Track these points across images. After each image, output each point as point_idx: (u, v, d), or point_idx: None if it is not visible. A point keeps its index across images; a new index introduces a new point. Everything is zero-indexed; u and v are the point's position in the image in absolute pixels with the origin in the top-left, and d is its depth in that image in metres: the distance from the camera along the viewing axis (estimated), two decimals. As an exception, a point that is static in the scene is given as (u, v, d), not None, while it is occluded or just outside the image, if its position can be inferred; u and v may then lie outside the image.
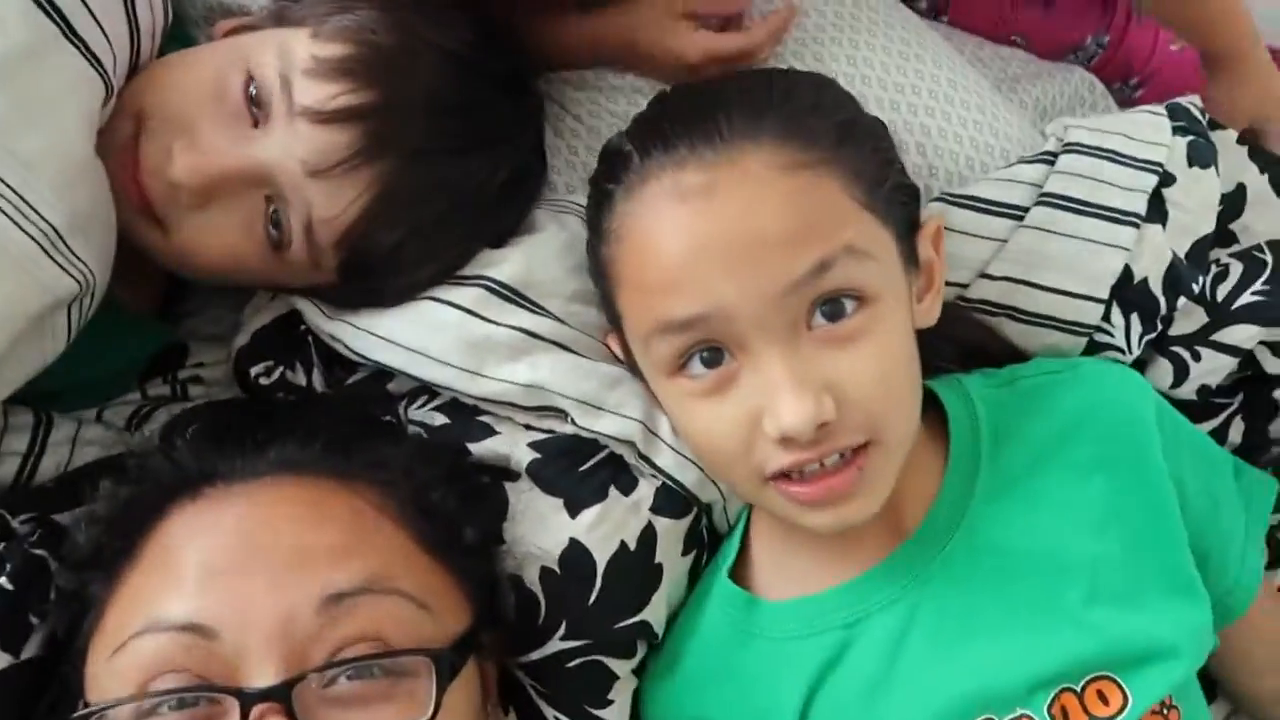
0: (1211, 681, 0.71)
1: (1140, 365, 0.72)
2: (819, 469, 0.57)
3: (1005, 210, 0.72)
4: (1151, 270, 0.70)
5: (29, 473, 0.67)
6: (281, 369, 0.73)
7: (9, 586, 0.58)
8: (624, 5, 0.76)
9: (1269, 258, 0.72)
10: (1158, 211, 0.71)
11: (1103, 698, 0.57)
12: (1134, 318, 0.70)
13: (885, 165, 0.63)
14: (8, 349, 0.59)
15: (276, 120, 0.65)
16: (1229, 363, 0.70)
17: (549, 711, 0.65)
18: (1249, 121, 0.89)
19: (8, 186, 0.57)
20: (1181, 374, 0.71)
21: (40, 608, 0.59)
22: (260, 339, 0.74)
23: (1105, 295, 0.69)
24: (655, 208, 0.59)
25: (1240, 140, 0.79)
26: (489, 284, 0.69)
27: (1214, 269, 0.72)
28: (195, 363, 0.78)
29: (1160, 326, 0.70)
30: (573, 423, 0.67)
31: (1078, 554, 0.60)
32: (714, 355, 0.59)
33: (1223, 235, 0.75)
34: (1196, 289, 0.70)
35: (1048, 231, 0.70)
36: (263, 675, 0.51)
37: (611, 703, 0.65)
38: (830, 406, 0.56)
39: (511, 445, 0.67)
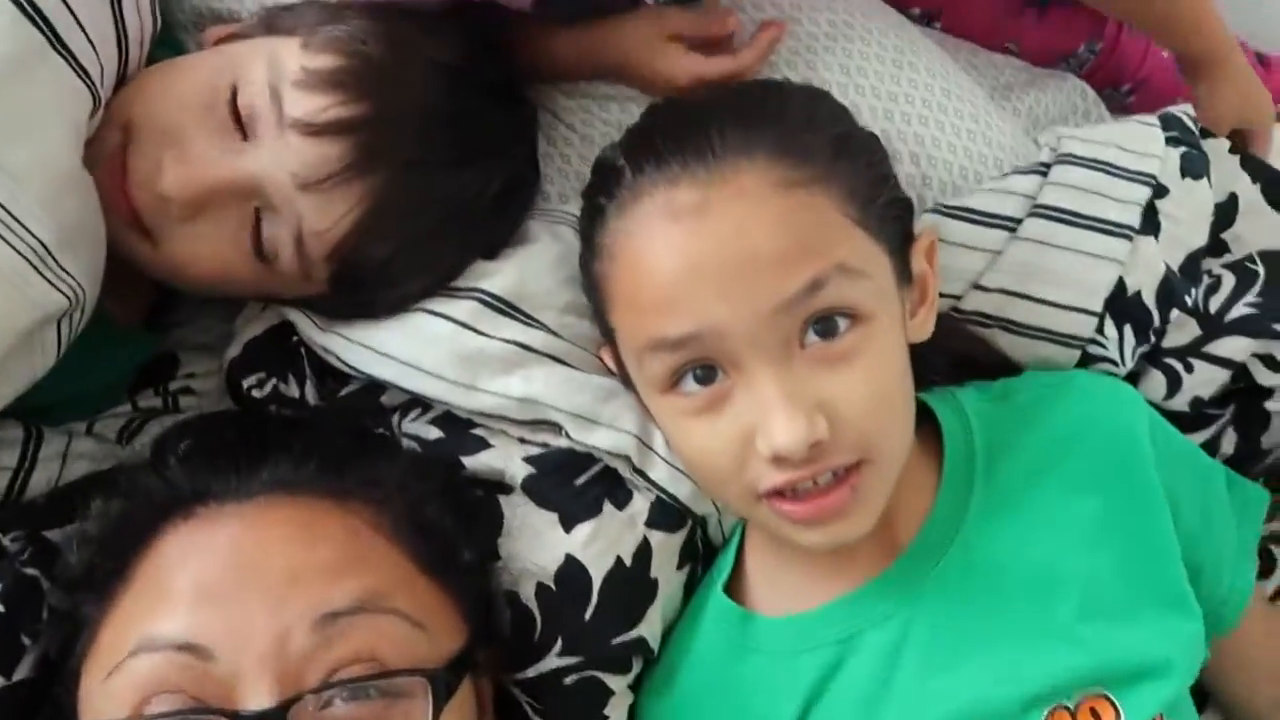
0: (1202, 693, 0.71)
1: (1133, 377, 0.72)
2: (812, 487, 0.57)
3: (999, 222, 0.72)
4: (1145, 283, 0.70)
5: (19, 488, 0.67)
6: (274, 381, 0.72)
7: (0, 608, 0.58)
8: (612, 23, 0.75)
9: (1261, 269, 0.72)
10: (1151, 223, 0.71)
11: (1095, 715, 0.58)
12: (1127, 330, 0.70)
13: (879, 181, 0.63)
14: None
15: (267, 132, 0.65)
16: (1222, 375, 0.70)
17: (545, 727, 0.65)
18: (1232, 125, 0.88)
19: None
20: (1174, 386, 0.71)
21: (32, 628, 0.58)
22: (252, 350, 0.73)
23: (1099, 308, 0.69)
24: (648, 225, 0.59)
25: (1232, 149, 0.79)
26: (482, 296, 0.69)
27: (1206, 280, 0.72)
28: (186, 373, 0.78)
29: (1153, 339, 0.71)
30: (567, 436, 0.67)
31: (1071, 570, 0.61)
32: (707, 373, 0.59)
33: (1214, 244, 0.75)
34: (1189, 301, 0.70)
35: (1041, 243, 0.70)
36: (258, 697, 0.51)
37: (608, 719, 0.65)
38: (823, 426, 0.56)
39: (506, 459, 0.67)
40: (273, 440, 0.64)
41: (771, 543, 0.67)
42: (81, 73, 0.61)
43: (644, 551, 0.66)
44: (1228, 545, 0.68)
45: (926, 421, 0.67)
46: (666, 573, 0.67)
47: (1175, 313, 0.70)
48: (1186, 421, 0.71)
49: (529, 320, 0.69)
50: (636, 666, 0.67)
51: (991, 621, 0.60)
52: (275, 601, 0.53)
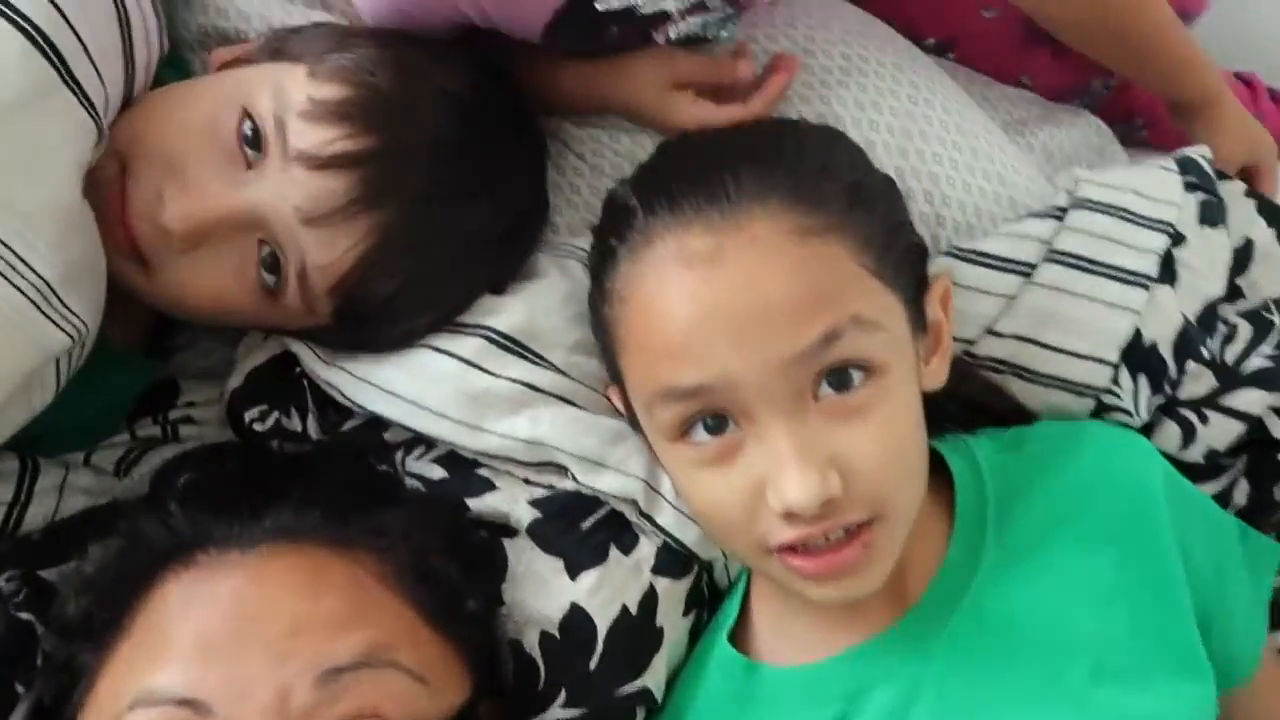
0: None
1: (1147, 427, 0.71)
2: (824, 543, 0.56)
3: (1014, 267, 0.71)
4: (1161, 334, 0.69)
5: (14, 523, 0.65)
6: (276, 414, 0.71)
7: (-6, 658, 0.57)
8: (619, 64, 0.74)
9: (1277, 319, 0.71)
10: (1168, 272, 0.70)
11: (1105, 781, 0.57)
12: (1143, 381, 0.69)
13: (895, 227, 0.62)
14: None
15: (271, 163, 0.63)
16: (1237, 428, 0.69)
17: (547, 779, 0.64)
18: (1239, 166, 0.88)
19: (1, 243, 0.55)
20: (1189, 437, 0.70)
21: (26, 676, 0.58)
22: (254, 381, 0.72)
23: (1115, 358, 0.69)
24: (660, 271, 0.58)
25: (1247, 192, 0.79)
26: (490, 334, 0.67)
27: (1223, 330, 0.71)
28: (186, 401, 0.76)
29: (1169, 390, 0.70)
30: (573, 479, 0.66)
31: (1083, 631, 0.60)
32: (718, 423, 0.58)
33: (1229, 290, 0.74)
34: (1206, 353, 0.70)
35: (1057, 290, 0.70)
36: None
37: (610, 770, 0.64)
38: (836, 482, 0.55)
39: (511, 503, 0.66)
40: (275, 484, 0.63)
41: (778, 591, 0.66)
42: (88, 105, 0.60)
43: (650, 599, 0.65)
44: (1240, 599, 0.68)
45: (938, 469, 0.66)
46: (672, 620, 0.66)
47: (1191, 364, 0.69)
48: (1200, 472, 0.71)
49: (537, 359, 0.68)
50: (640, 717, 0.66)
51: (1003, 684, 0.59)
52: (277, 656, 0.52)
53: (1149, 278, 0.69)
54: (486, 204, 0.68)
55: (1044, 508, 0.64)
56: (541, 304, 0.69)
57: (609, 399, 0.68)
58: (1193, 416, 0.70)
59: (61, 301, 0.59)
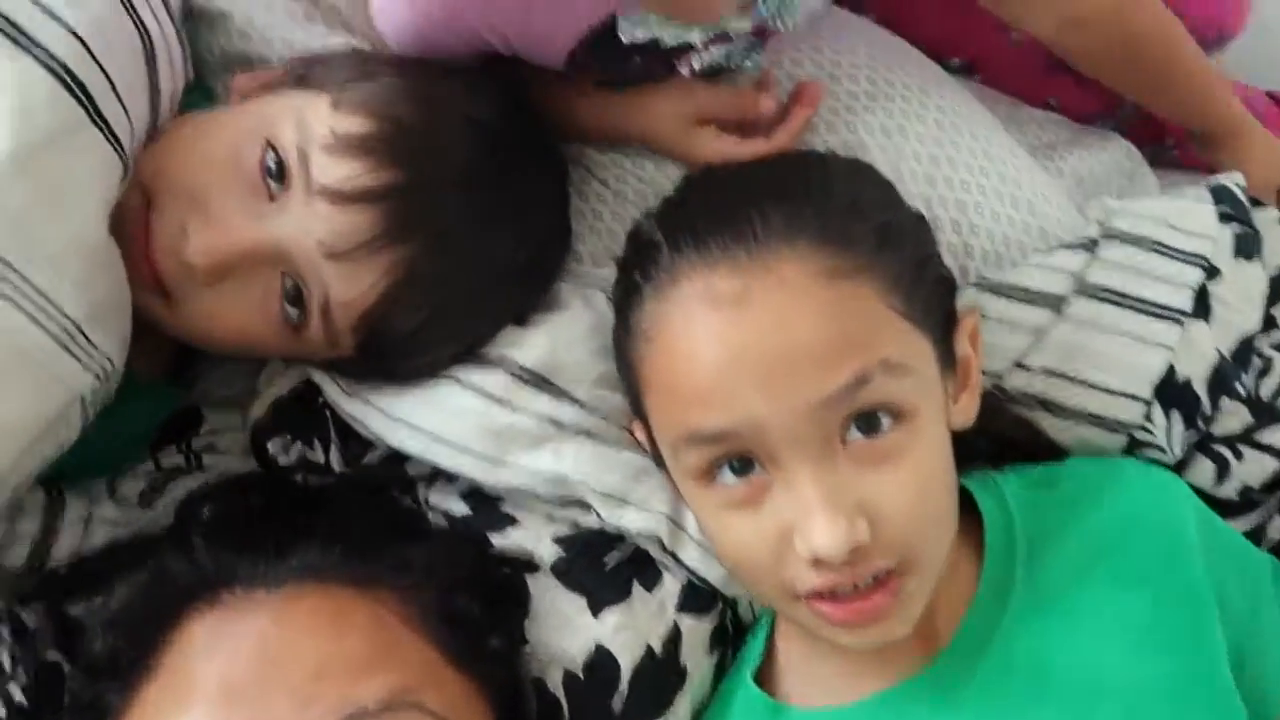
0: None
1: (1180, 463, 0.70)
2: (852, 591, 0.56)
3: (1044, 300, 0.70)
4: (1195, 370, 0.68)
5: (42, 557, 0.66)
6: (299, 445, 0.71)
7: (24, 702, 0.57)
8: (641, 96, 0.73)
9: (1314, 351, 0.70)
10: (1202, 306, 0.69)
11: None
12: (1176, 417, 0.68)
13: (924, 265, 0.61)
14: (25, 451, 0.57)
15: (294, 196, 0.63)
16: (1272, 464, 0.68)
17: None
18: (1272, 192, 0.86)
19: (30, 285, 0.55)
20: (1223, 473, 0.69)
21: (54, 717, 0.58)
22: (277, 411, 0.72)
23: (1148, 395, 0.67)
24: (686, 311, 0.57)
25: (1281, 218, 0.77)
26: (513, 368, 0.67)
27: (1257, 363, 0.70)
28: (209, 429, 0.76)
29: (1203, 426, 0.69)
30: (597, 515, 0.66)
31: (1116, 677, 0.59)
32: (745, 465, 0.57)
33: (1264, 321, 0.73)
34: (1241, 390, 0.68)
35: (1088, 325, 0.68)
36: None
37: (633, 812, 0.64)
38: (864, 529, 0.54)
39: (534, 540, 0.66)
40: (300, 519, 0.63)
41: (804, 632, 0.65)
42: (114, 141, 0.60)
43: (674, 638, 0.65)
44: (1274, 637, 0.66)
45: (966, 507, 0.65)
46: (697, 658, 0.66)
47: (1226, 400, 0.68)
48: (1233, 508, 0.69)
49: (560, 394, 0.67)
50: (663, 759, 0.66)
51: (1032, 732, 0.58)
52: (302, 701, 0.52)
53: (1183, 312, 0.68)
54: (510, 236, 0.68)
55: (1075, 547, 0.63)
56: (565, 337, 0.68)
57: (632, 434, 0.67)
58: (1227, 452, 0.69)
59: (88, 340, 0.59)
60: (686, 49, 0.70)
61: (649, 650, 0.64)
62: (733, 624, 0.69)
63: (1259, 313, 0.70)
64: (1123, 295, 0.69)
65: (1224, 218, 0.72)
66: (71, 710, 0.58)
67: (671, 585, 0.66)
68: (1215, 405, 0.68)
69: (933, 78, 0.81)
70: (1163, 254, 0.69)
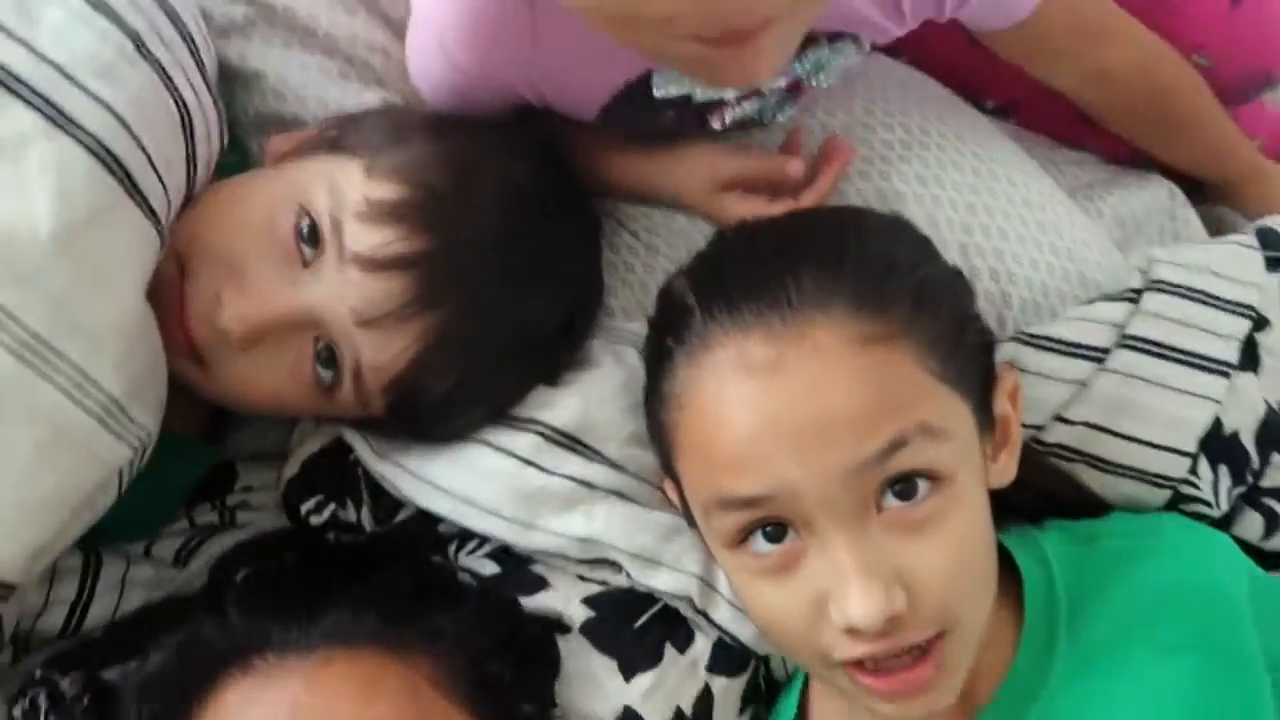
0: None
1: (1227, 515, 0.68)
2: (894, 663, 0.54)
3: (1085, 352, 0.68)
4: (1243, 423, 0.66)
5: (78, 620, 0.66)
6: (332, 505, 0.71)
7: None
8: (669, 156, 0.73)
9: (1367, 402, 0.68)
10: (1250, 358, 0.67)
11: None
12: (1223, 471, 0.66)
13: (962, 325, 0.60)
14: (65, 523, 0.58)
15: (327, 263, 0.63)
16: (1325, 520, 0.66)
17: None
18: None
19: (69, 363, 0.56)
20: (1272, 526, 0.67)
21: (91, 788, 0.58)
22: (309, 470, 0.72)
23: (1193, 448, 0.66)
24: (719, 377, 0.56)
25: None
26: (544, 430, 0.67)
27: (1309, 415, 0.68)
28: (243, 486, 0.77)
29: (1251, 479, 0.67)
30: (628, 576, 0.65)
31: (1160, 746, 0.57)
32: (778, 531, 0.56)
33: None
34: (1292, 444, 0.66)
35: (1131, 378, 0.67)
36: None
37: None
38: (901, 599, 0.53)
39: (565, 601, 0.66)
40: (332, 583, 0.63)
41: (838, 693, 0.64)
42: (151, 215, 0.60)
43: (705, 699, 0.64)
44: (1328, 700, 0.64)
45: (1005, 566, 0.63)
46: (727, 718, 0.65)
47: (1275, 454, 0.66)
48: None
49: (591, 454, 0.67)
50: (694, 824, 0.65)
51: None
52: None
53: (1230, 365, 0.66)
54: (542, 300, 0.67)
55: (1119, 609, 0.61)
56: (596, 396, 0.68)
57: (664, 492, 0.66)
58: (1276, 506, 0.67)
59: (127, 415, 0.59)
60: (719, 104, 0.70)
61: (679, 712, 0.63)
62: (765, 681, 0.68)
63: (1310, 363, 0.68)
64: (1167, 348, 0.67)
65: (1271, 263, 0.70)
66: (107, 780, 0.58)
67: (703, 645, 0.65)
68: (1265, 459, 0.66)
69: (968, 123, 0.80)
70: (1208, 304, 0.68)
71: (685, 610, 0.65)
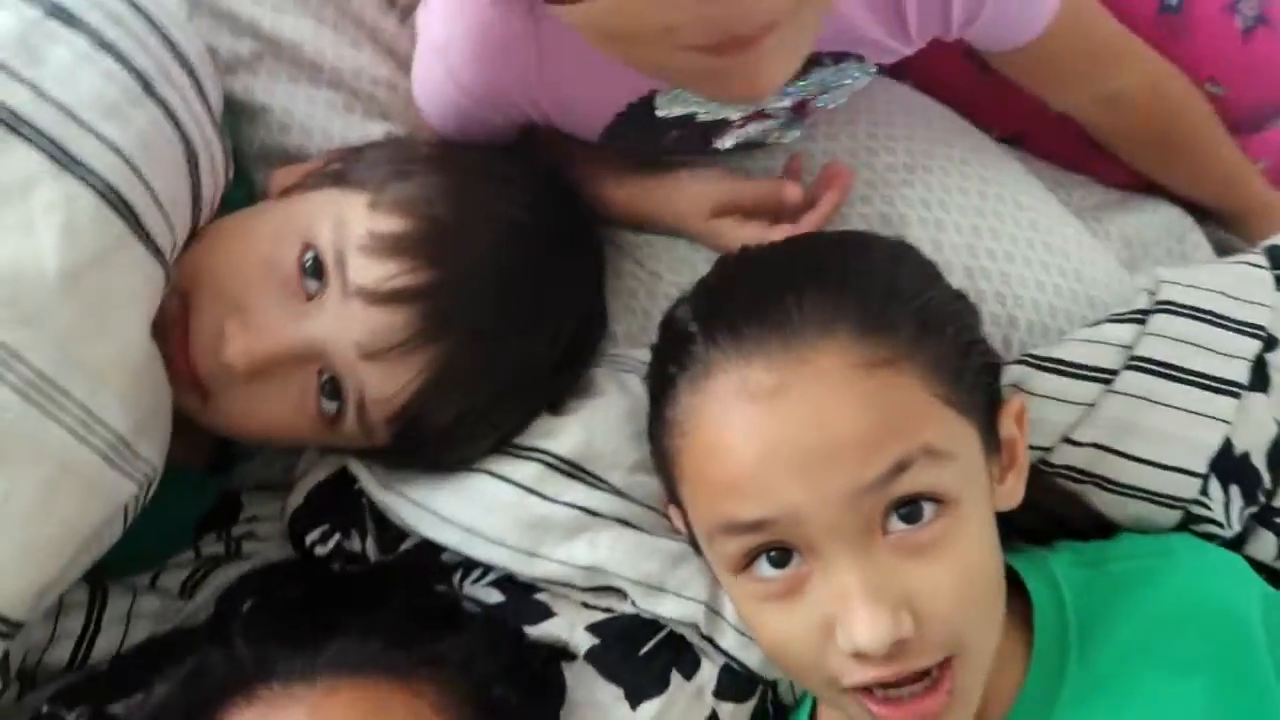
0: None
1: (1239, 535, 0.67)
2: (905, 694, 0.54)
3: (1092, 374, 0.67)
4: (1254, 443, 0.65)
5: (83, 654, 0.66)
6: (337, 535, 0.71)
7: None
8: (668, 183, 0.73)
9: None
10: (1260, 378, 0.66)
11: None
12: (1234, 491, 0.65)
13: (967, 347, 0.60)
14: (71, 560, 0.58)
15: (331, 296, 0.63)
16: (1338, 539, 0.65)
17: None
18: None
19: (75, 403, 0.56)
20: (1286, 547, 0.66)
21: (94, 822, 0.58)
22: (314, 500, 0.72)
23: (1203, 469, 0.65)
24: (722, 403, 0.56)
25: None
26: (547, 458, 0.67)
27: (1321, 434, 0.67)
28: (248, 516, 0.77)
29: (1263, 499, 0.66)
30: (633, 603, 0.65)
31: (1173, 771, 0.56)
32: (783, 555, 0.56)
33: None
34: (1304, 463, 0.66)
35: (1140, 399, 0.66)
36: None
37: None
38: (908, 623, 0.53)
39: (569, 629, 0.65)
40: (337, 611, 0.62)
41: (846, 716, 0.63)
42: (157, 254, 0.60)
43: (713, 726, 0.64)
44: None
45: (1015, 588, 0.63)
46: (736, 745, 0.65)
47: (1287, 473, 0.65)
48: (1294, 580, 0.67)
49: (596, 482, 0.67)
50: None
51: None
52: None
53: (1240, 385, 0.65)
54: (545, 330, 0.67)
55: (1130, 631, 0.61)
56: (600, 424, 0.68)
57: (669, 518, 0.66)
58: (1290, 526, 0.66)
59: (133, 451, 0.59)
60: (723, 125, 0.70)
61: (687, 739, 0.62)
62: (773, 705, 0.68)
63: (1322, 382, 0.67)
64: (1176, 369, 0.66)
65: (1280, 283, 0.70)
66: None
67: (709, 671, 0.65)
68: (1277, 479, 0.66)
69: (973, 145, 0.80)
70: (1217, 325, 0.67)
71: (691, 637, 0.65)
